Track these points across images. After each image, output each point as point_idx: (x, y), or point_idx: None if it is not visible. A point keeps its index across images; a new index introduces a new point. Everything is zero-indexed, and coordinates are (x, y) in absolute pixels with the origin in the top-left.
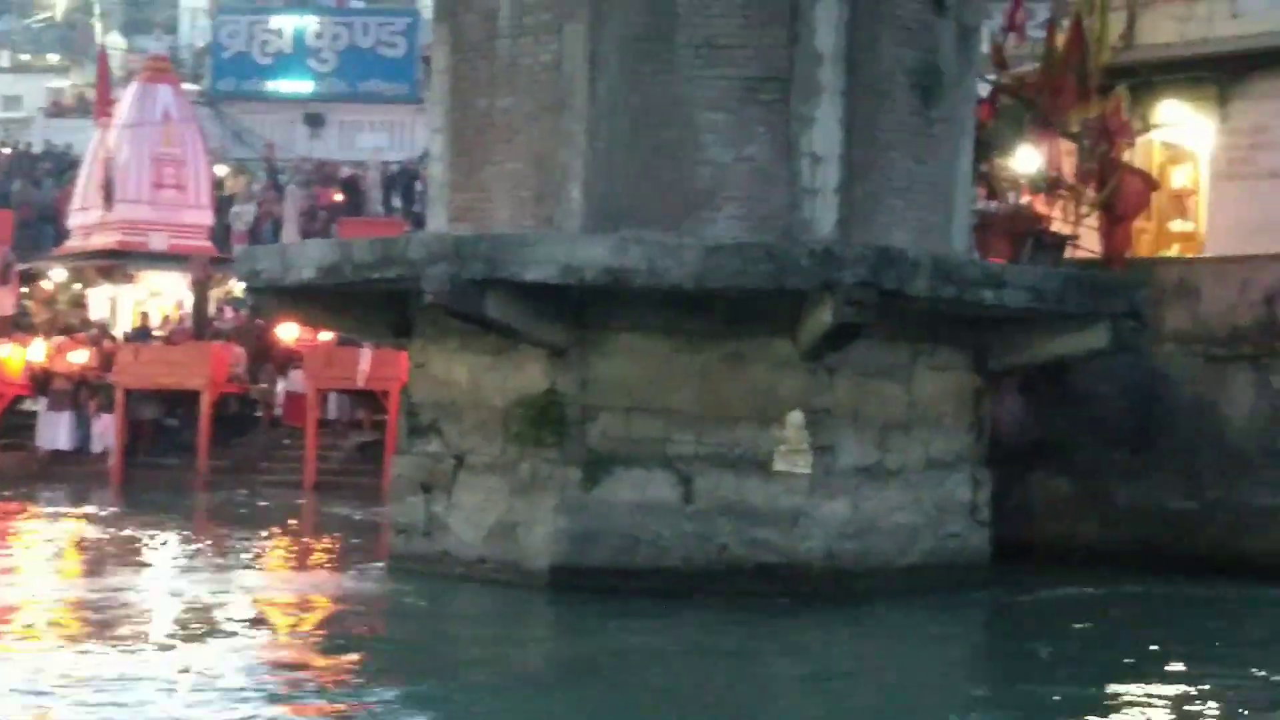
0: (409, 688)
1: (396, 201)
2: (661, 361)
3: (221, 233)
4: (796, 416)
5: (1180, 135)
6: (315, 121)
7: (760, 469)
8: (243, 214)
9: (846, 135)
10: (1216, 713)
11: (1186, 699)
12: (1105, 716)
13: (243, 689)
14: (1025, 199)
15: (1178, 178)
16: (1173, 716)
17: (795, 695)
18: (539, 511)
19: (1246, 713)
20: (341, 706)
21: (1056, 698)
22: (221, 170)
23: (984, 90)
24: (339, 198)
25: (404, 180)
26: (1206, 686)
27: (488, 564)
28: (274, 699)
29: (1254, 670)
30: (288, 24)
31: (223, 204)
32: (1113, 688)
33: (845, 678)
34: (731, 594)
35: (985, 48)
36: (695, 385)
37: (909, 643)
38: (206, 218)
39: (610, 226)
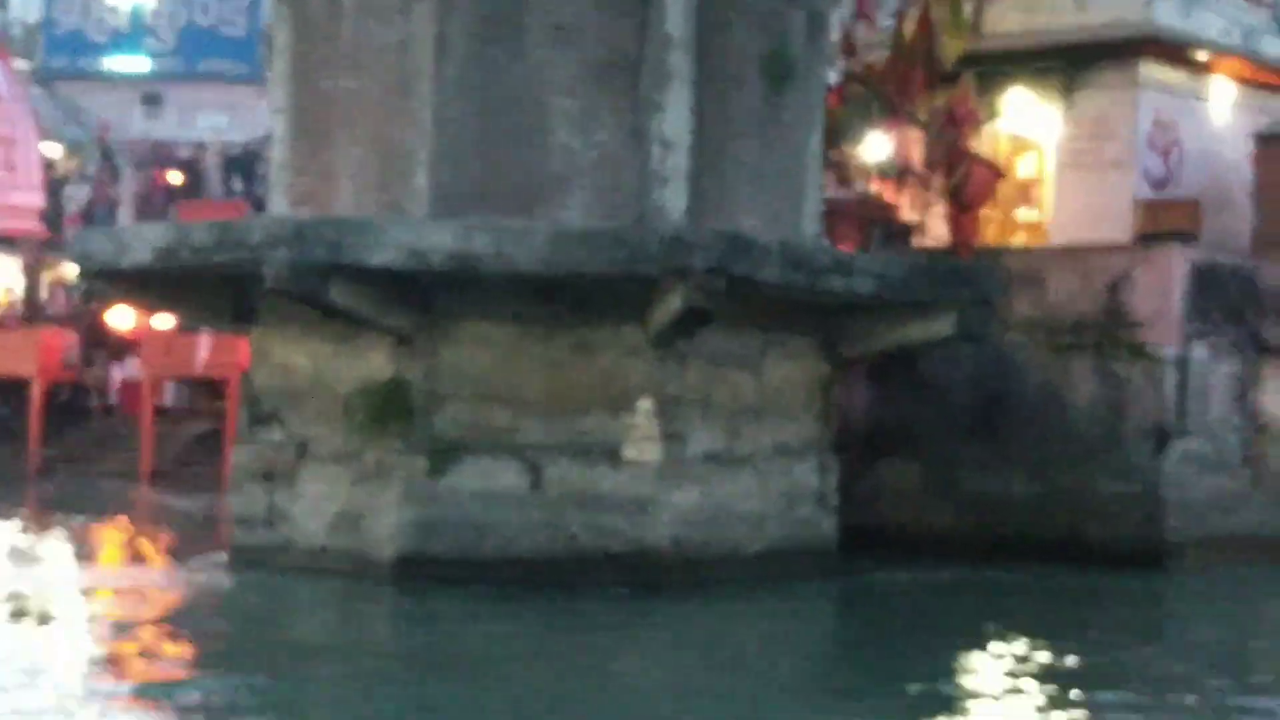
0: (244, 680)
1: (237, 184)
2: (510, 349)
3: (53, 215)
4: (646, 404)
5: (1026, 125)
6: (153, 101)
7: (610, 457)
8: (76, 196)
9: (697, 122)
10: (1049, 690)
11: (1020, 676)
12: (949, 696)
13: (71, 682)
14: (874, 187)
15: (1024, 167)
16: (1009, 693)
17: (644, 684)
18: (384, 501)
19: (1079, 693)
20: (173, 700)
21: (903, 680)
22: (54, 151)
23: (834, 78)
24: (177, 179)
25: (245, 162)
26: (1042, 664)
27: (330, 554)
28: (103, 693)
29: (1090, 649)
30: (124, 0)
31: (55, 186)
32: (955, 668)
33: (694, 665)
34: (581, 583)
35: (835, 36)
36: (544, 373)
37: (757, 629)
38: (37, 200)
39: (457, 212)
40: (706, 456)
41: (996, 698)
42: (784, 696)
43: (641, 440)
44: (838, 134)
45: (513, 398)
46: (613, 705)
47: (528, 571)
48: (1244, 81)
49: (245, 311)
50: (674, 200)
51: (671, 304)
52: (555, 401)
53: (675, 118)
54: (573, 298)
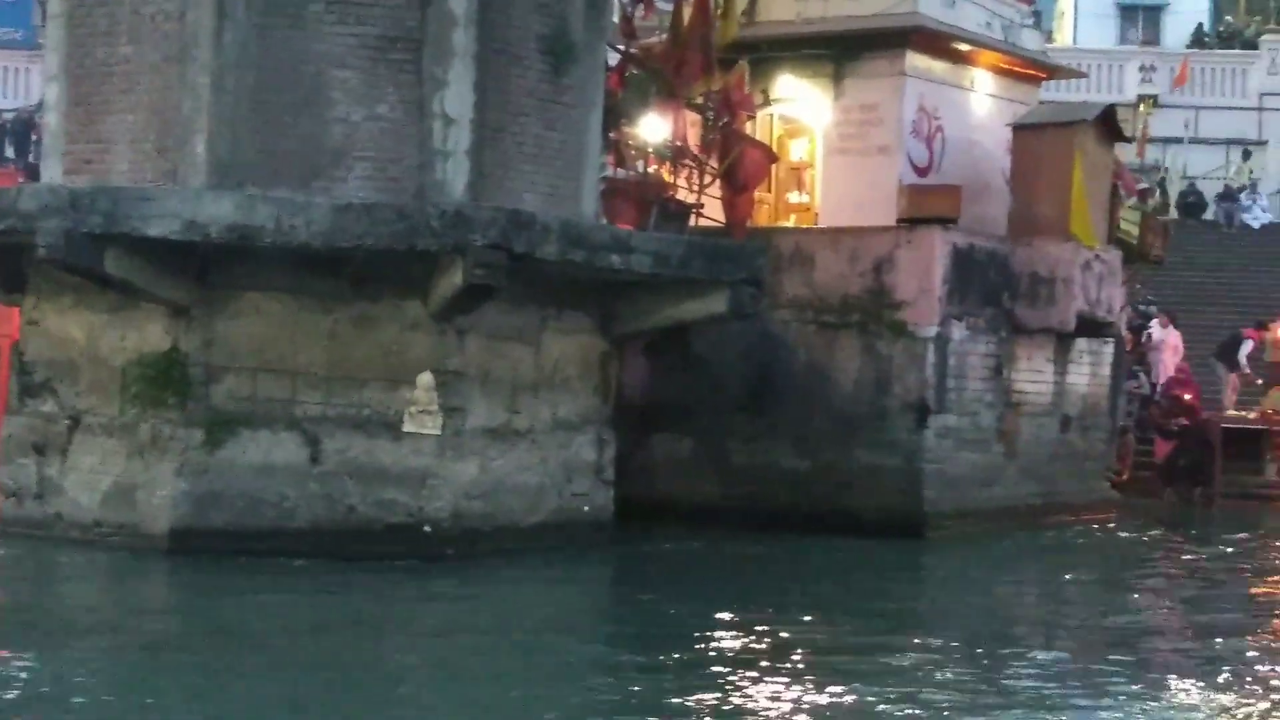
0: (12, 656)
1: (9, 152)
2: (289, 322)
3: None
4: (426, 378)
5: (798, 110)
6: None
7: (389, 430)
8: None
9: (479, 99)
10: (811, 657)
11: (782, 643)
12: (712, 661)
13: None
14: (652, 168)
15: (795, 151)
16: (771, 659)
17: (420, 655)
18: (159, 474)
19: (842, 658)
20: None
21: (671, 647)
22: None
23: (613, 60)
24: None
25: (18, 130)
26: (804, 631)
27: (104, 528)
28: None
29: (851, 616)
30: None
31: None
32: (721, 637)
33: (471, 635)
34: (360, 555)
35: (615, 18)
36: (323, 346)
37: (534, 600)
38: None
39: (236, 183)
40: (486, 430)
41: (757, 665)
42: (552, 667)
43: (421, 414)
44: (617, 115)
45: (292, 370)
46: (383, 675)
47: (305, 544)
48: (1002, 73)
49: (17, 280)
50: (455, 176)
51: (452, 279)
52: (335, 375)
53: (457, 94)
54: (353, 271)
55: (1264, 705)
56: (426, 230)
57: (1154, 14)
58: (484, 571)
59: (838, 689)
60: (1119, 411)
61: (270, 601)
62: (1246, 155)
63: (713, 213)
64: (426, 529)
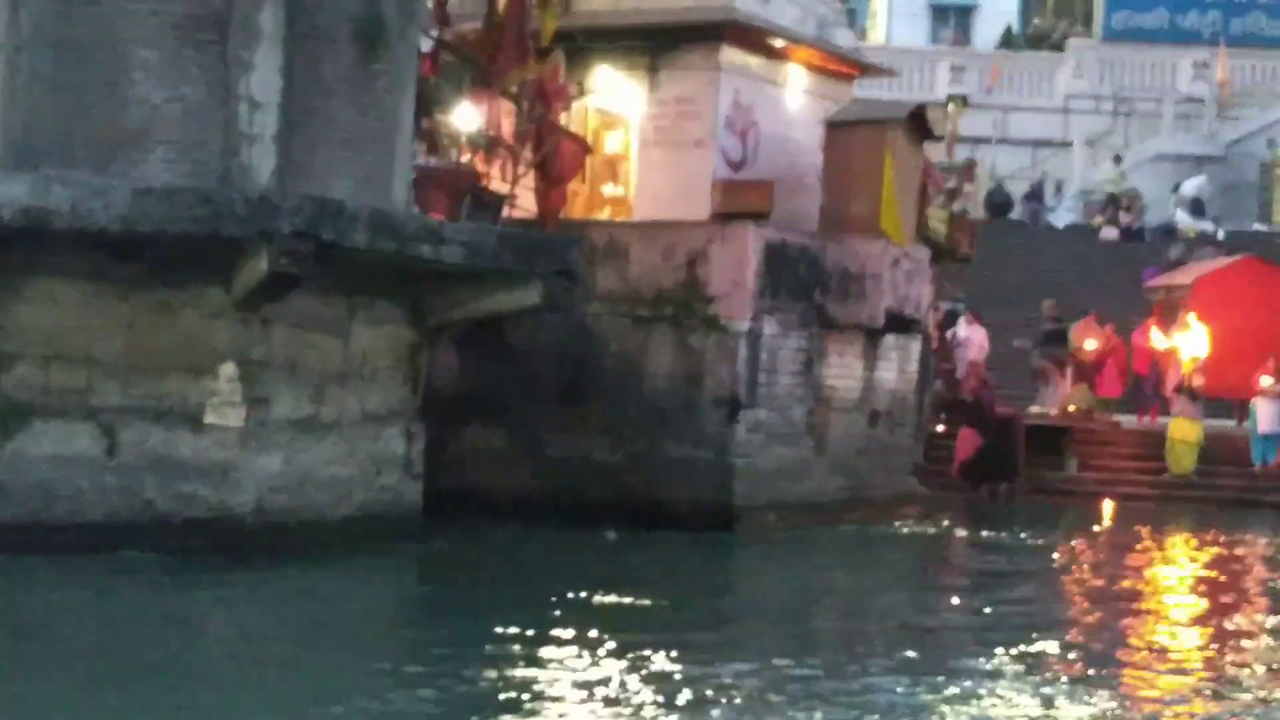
0: None
1: None
2: (85, 308)
3: None
4: (229, 368)
5: (613, 102)
6: None
7: (190, 422)
8: None
9: (287, 82)
10: (617, 650)
11: (587, 637)
12: (521, 652)
13: None
14: (465, 156)
15: (611, 143)
16: (576, 650)
17: (220, 652)
18: None
19: (649, 652)
20: None
21: (480, 639)
22: None
23: (427, 46)
24: None
25: None
26: (611, 624)
27: None
28: None
29: (659, 610)
30: None
31: None
32: (531, 626)
33: (273, 631)
34: (159, 549)
35: (429, 3)
36: (122, 334)
37: (339, 595)
38: None
39: (31, 164)
40: (291, 422)
41: (562, 659)
42: (355, 662)
43: (224, 405)
44: (430, 102)
45: (87, 359)
46: (179, 673)
47: (101, 537)
48: (816, 70)
49: None
50: (261, 161)
51: (257, 267)
52: (133, 364)
53: (264, 77)
54: (154, 257)
55: (1048, 690)
56: (230, 216)
57: (965, 15)
58: (288, 567)
59: (642, 686)
60: (926, 408)
61: (62, 598)
62: (1118, 160)
63: (526, 204)
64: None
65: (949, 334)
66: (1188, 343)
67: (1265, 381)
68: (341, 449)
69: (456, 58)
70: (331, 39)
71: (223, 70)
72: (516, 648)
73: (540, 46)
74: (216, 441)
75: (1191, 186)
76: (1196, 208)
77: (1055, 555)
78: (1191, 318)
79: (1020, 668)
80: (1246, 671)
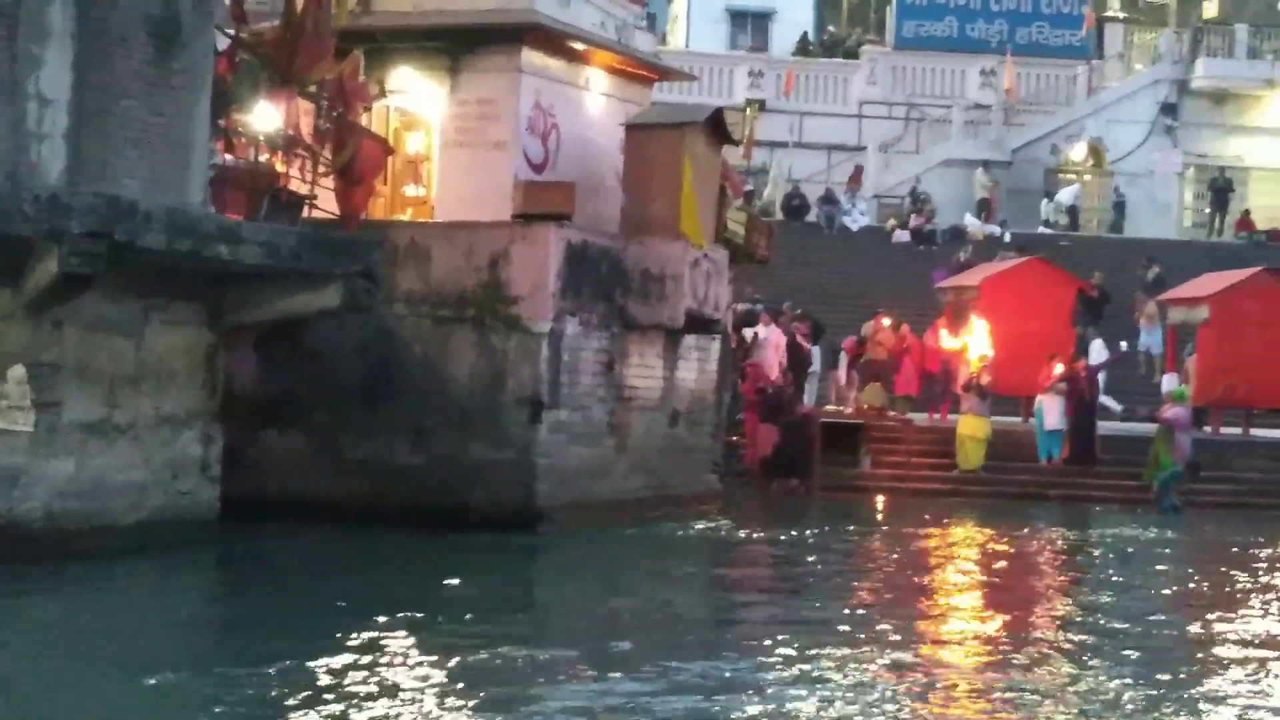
0: None
1: None
2: None
3: None
4: (18, 371)
5: (414, 103)
6: None
7: None
8: None
9: (78, 80)
10: (422, 656)
11: (390, 643)
12: (321, 657)
13: None
14: (264, 156)
15: (412, 144)
16: (379, 659)
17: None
18: None
19: (458, 658)
20: None
21: (277, 644)
22: None
23: (224, 44)
24: None
25: None
26: (413, 632)
27: None
28: None
29: (464, 610)
30: None
31: None
32: (332, 632)
33: (62, 640)
34: None
35: (226, 1)
36: None
37: (133, 602)
38: None
39: None
40: (83, 426)
41: (361, 663)
42: (142, 671)
43: (12, 409)
44: (227, 101)
45: None
46: None
47: None
48: (616, 73)
49: None
50: (51, 159)
51: (47, 268)
52: None
53: (54, 74)
54: None
55: (835, 679)
56: (19, 216)
57: (762, 21)
58: (81, 574)
59: (440, 688)
60: (725, 407)
61: None
62: (986, 166)
63: (326, 204)
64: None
65: (748, 335)
66: (975, 342)
67: (1059, 369)
68: (136, 453)
69: (254, 56)
70: (125, 36)
71: (10, 67)
72: (313, 654)
73: (339, 46)
74: (5, 447)
75: (1068, 195)
76: (1073, 214)
77: (847, 549)
78: (977, 318)
79: (810, 657)
80: (1033, 653)
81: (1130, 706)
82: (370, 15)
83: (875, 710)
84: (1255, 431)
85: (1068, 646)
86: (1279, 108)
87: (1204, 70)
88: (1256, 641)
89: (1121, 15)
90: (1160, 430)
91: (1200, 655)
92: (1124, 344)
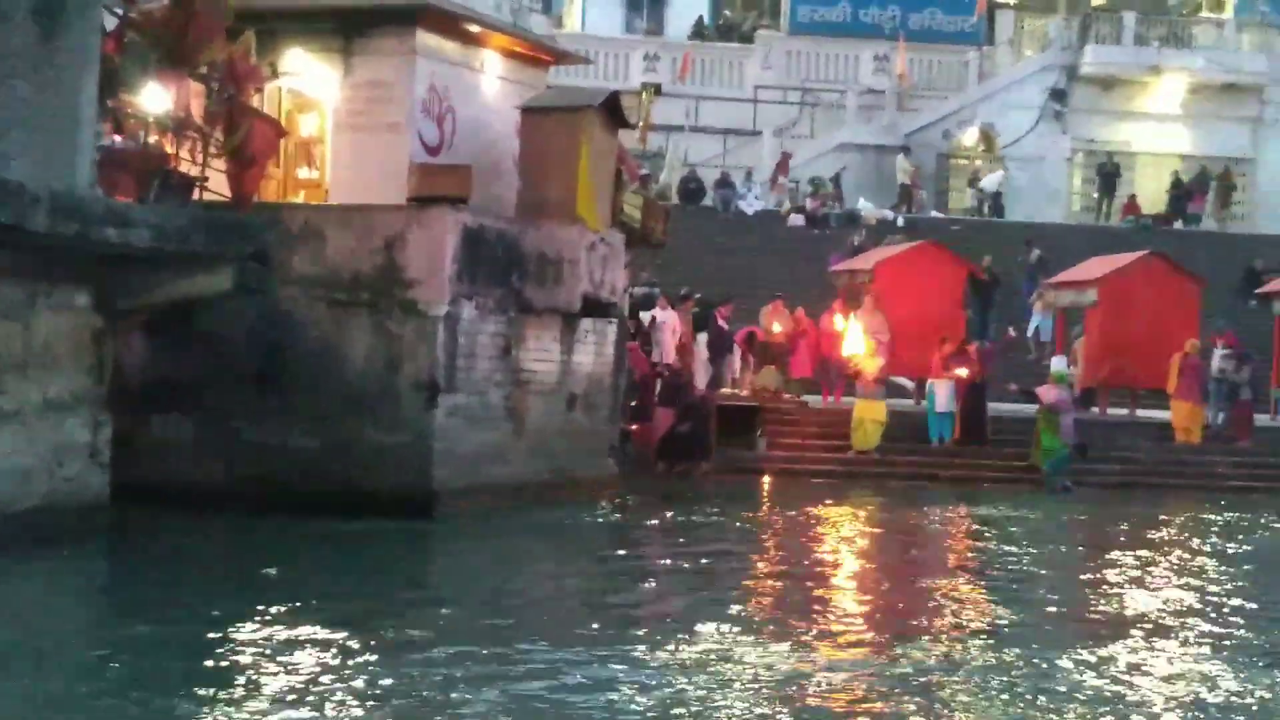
0: None
1: None
2: None
3: None
4: None
5: (307, 84)
6: None
7: None
8: None
9: None
10: (326, 646)
11: (293, 629)
12: (210, 646)
13: None
14: (154, 138)
15: (305, 126)
16: (283, 645)
17: None
18: None
19: (357, 644)
20: None
21: (166, 631)
22: None
23: (112, 24)
24: None
25: None
26: (318, 618)
27: None
28: None
29: (364, 598)
30: None
31: None
32: (221, 620)
33: None
34: None
35: None
36: None
37: (17, 590)
38: None
39: None
40: None
41: (256, 655)
42: (31, 664)
43: None
44: (116, 82)
45: None
46: None
47: None
48: (512, 56)
49: None
50: None
51: None
52: None
53: None
54: None
55: (734, 659)
56: None
57: (658, 5)
58: None
59: (336, 676)
60: (622, 390)
61: None
62: (907, 151)
63: (218, 186)
64: None
65: (646, 318)
66: (869, 325)
67: (959, 369)
68: (22, 439)
69: (143, 36)
70: (6, 14)
71: None
72: (202, 642)
73: (231, 26)
74: None
75: (992, 181)
76: (996, 202)
77: (742, 531)
78: (869, 301)
79: (703, 640)
80: (922, 626)
81: (1022, 683)
82: None
83: (767, 692)
84: (1141, 412)
85: (962, 624)
86: (1165, 94)
87: (1092, 57)
88: (1142, 616)
89: (1012, 1)
90: (1041, 412)
91: (1085, 630)
92: (1011, 329)
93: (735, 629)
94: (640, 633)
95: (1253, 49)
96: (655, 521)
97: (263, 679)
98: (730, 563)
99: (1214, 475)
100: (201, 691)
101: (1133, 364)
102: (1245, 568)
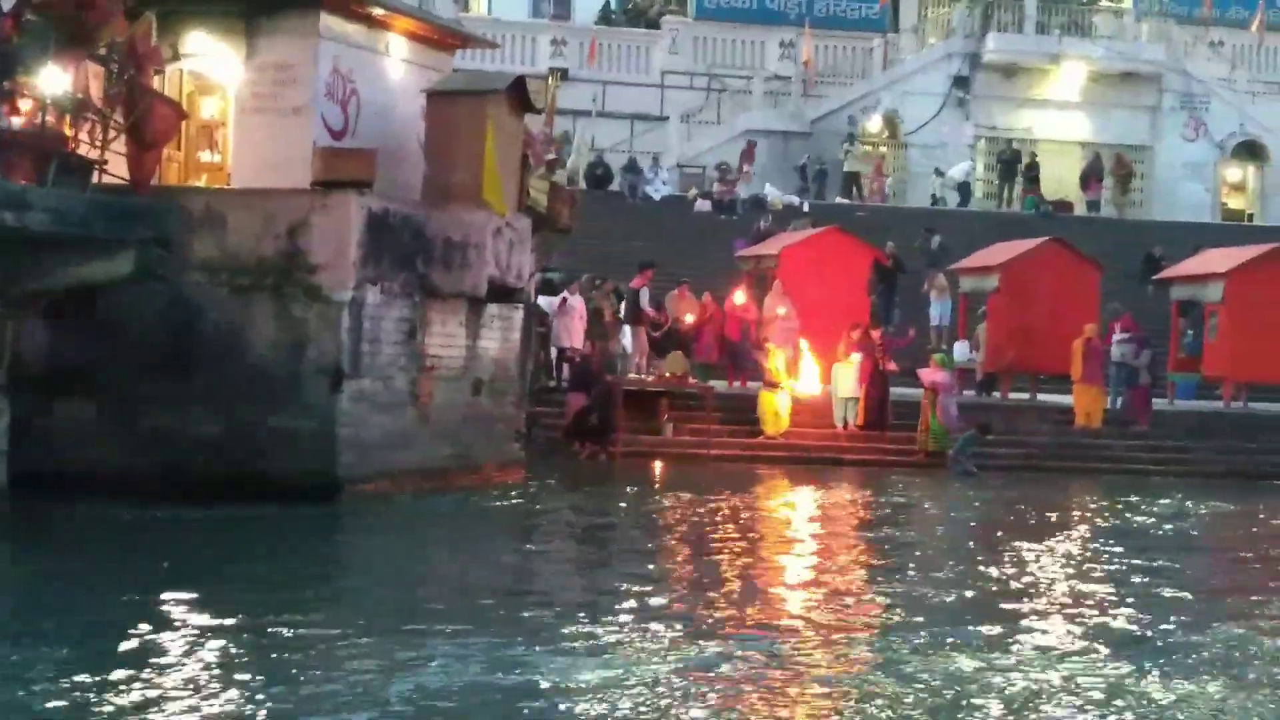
0: None
1: None
2: None
3: None
4: None
5: (209, 67)
6: None
7: None
8: None
9: None
10: (231, 634)
11: (201, 618)
12: (112, 635)
13: None
14: (52, 120)
15: (207, 109)
16: (170, 628)
17: None
18: None
19: (272, 629)
20: None
21: (65, 621)
22: None
23: (9, 4)
24: None
25: None
26: (225, 606)
27: None
28: None
29: (271, 583)
30: None
31: None
32: (123, 608)
33: None
34: None
35: None
36: None
37: None
38: None
39: None
40: None
41: (161, 643)
42: None
43: None
44: (13, 63)
45: None
46: None
47: None
48: (418, 39)
49: None
50: None
51: None
52: None
53: None
54: None
55: (642, 644)
56: None
57: None
58: None
59: (231, 665)
60: (528, 375)
61: None
62: (851, 138)
63: (118, 170)
64: None
65: (554, 302)
66: (773, 310)
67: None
68: None
69: (41, 16)
70: None
71: None
72: (103, 631)
73: (131, 7)
74: None
75: (959, 171)
76: (964, 190)
77: (643, 516)
78: (777, 285)
79: (605, 626)
80: (831, 607)
81: (915, 660)
82: None
83: (667, 678)
84: (1042, 396)
85: (868, 606)
86: (1066, 82)
87: (994, 45)
88: (1038, 593)
89: None
90: (928, 395)
91: (984, 605)
92: (912, 331)
93: (636, 615)
94: (544, 619)
95: (1151, 39)
96: (559, 506)
97: (154, 674)
98: (631, 547)
99: (1113, 459)
100: (80, 689)
101: (1034, 349)
102: (1135, 547)
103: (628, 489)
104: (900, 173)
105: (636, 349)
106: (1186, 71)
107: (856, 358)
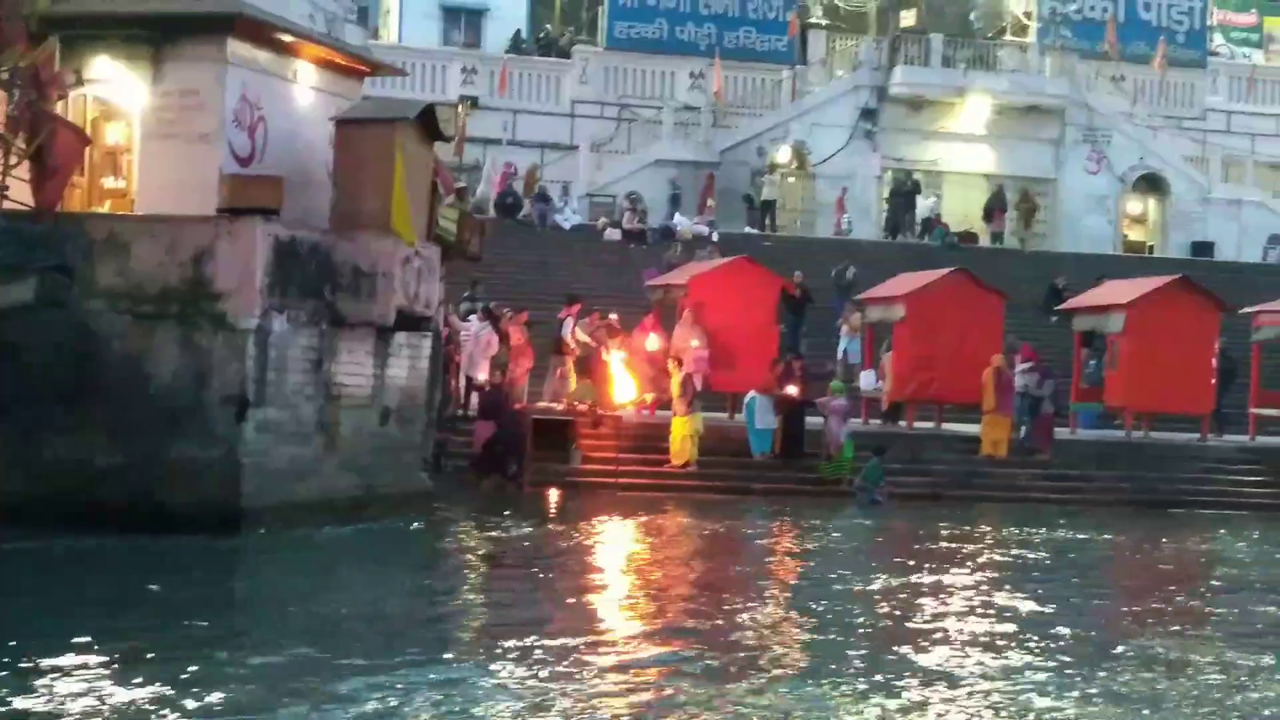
0: None
1: None
2: None
3: None
4: None
5: (113, 92)
6: None
7: None
8: None
9: None
10: (107, 654)
11: (86, 654)
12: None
13: None
14: None
15: (111, 134)
16: (68, 662)
17: None
18: None
19: (156, 667)
20: None
21: None
22: None
23: None
24: None
25: None
26: (110, 633)
27: None
28: None
29: (163, 618)
30: None
31: None
32: (19, 643)
33: None
34: None
35: None
36: None
37: None
38: None
39: None
40: None
41: (56, 679)
42: None
43: None
44: None
45: None
46: None
47: None
48: (326, 66)
49: None
50: None
51: None
52: None
53: None
54: None
55: (533, 675)
56: None
57: (476, 18)
58: None
59: (136, 701)
60: (436, 404)
61: None
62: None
63: (20, 195)
64: None
65: (462, 331)
66: (685, 339)
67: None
68: None
69: None
70: None
71: None
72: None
73: (35, 32)
74: None
75: (925, 208)
76: (927, 225)
77: (548, 545)
78: (688, 315)
79: (512, 655)
80: (738, 639)
81: (812, 682)
82: (69, 1)
83: (566, 705)
84: (947, 425)
85: (771, 633)
86: (971, 115)
87: (901, 77)
88: (932, 622)
89: (824, 22)
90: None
91: (880, 632)
92: (829, 363)
93: (539, 644)
94: (447, 653)
95: (1054, 73)
96: (465, 536)
97: (54, 705)
98: (535, 577)
99: (1016, 487)
100: None
101: (939, 378)
102: (1035, 576)
103: (531, 519)
104: (808, 203)
105: (555, 378)
106: (1089, 105)
107: (793, 390)
